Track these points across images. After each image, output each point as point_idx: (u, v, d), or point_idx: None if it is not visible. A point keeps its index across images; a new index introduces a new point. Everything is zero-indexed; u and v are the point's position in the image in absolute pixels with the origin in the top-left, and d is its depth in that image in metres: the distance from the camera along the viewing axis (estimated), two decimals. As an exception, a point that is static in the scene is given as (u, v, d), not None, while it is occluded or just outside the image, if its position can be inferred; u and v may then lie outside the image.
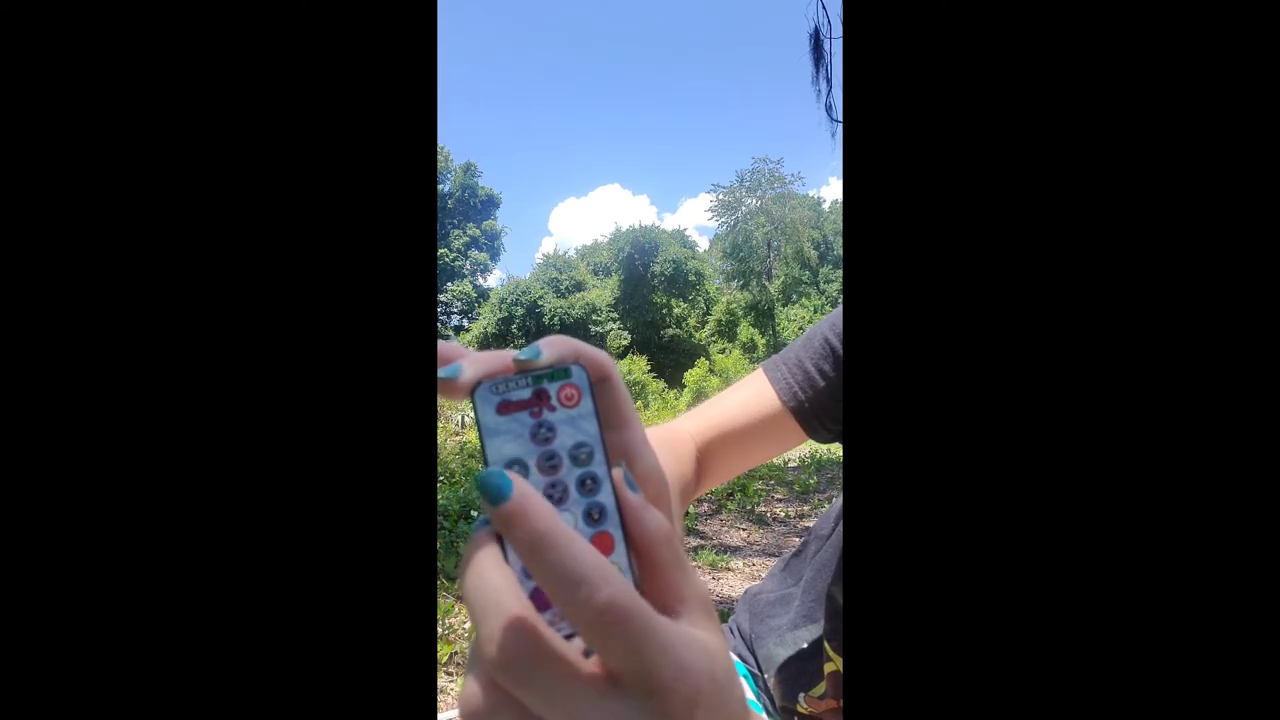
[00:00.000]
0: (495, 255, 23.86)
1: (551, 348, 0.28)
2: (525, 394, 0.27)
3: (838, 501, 0.60)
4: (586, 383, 0.28)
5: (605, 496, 0.28)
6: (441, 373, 0.27)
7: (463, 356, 0.27)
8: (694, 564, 2.60)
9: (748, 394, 0.56)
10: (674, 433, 0.53)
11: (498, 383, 0.27)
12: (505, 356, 0.27)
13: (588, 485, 0.28)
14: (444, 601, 1.96)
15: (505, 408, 0.27)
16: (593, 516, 0.28)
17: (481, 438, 0.27)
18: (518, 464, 0.27)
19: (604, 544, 0.28)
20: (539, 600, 0.25)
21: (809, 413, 0.54)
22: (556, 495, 0.27)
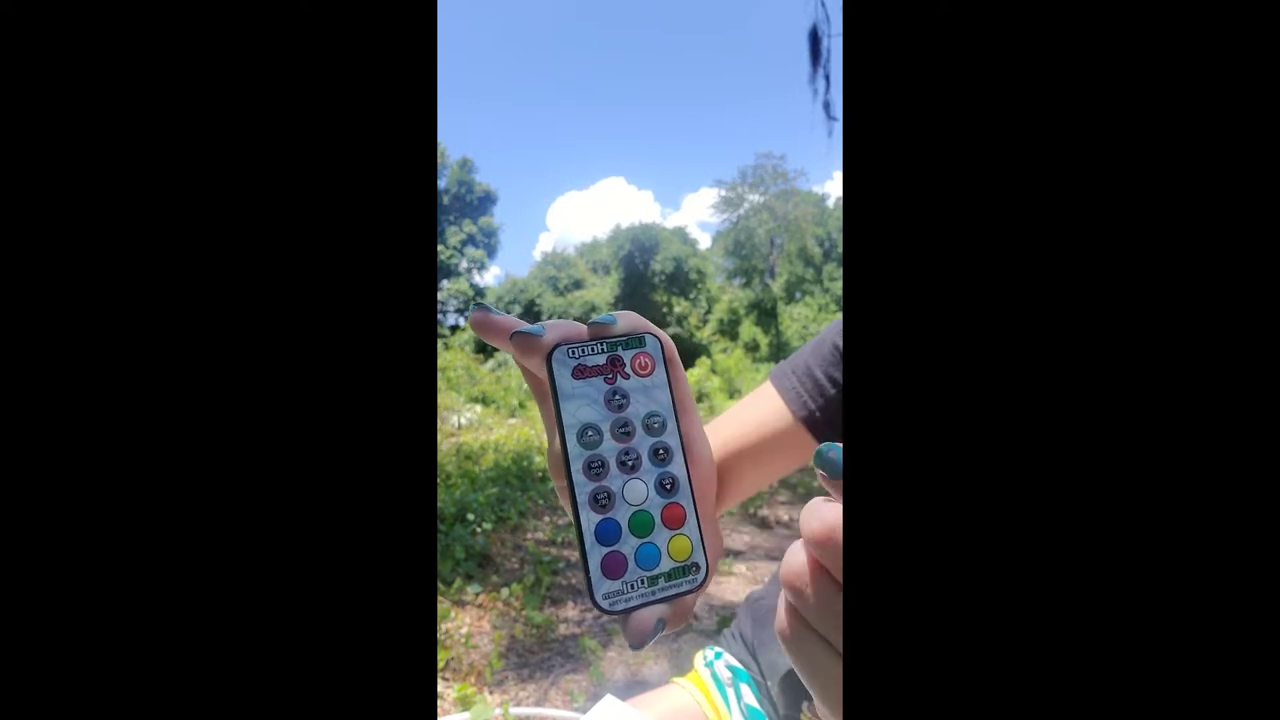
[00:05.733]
0: (492, 252, 23.83)
1: (625, 318, 0.28)
2: (600, 360, 0.27)
3: None
4: (660, 354, 0.29)
5: (677, 468, 0.28)
6: (525, 329, 0.27)
7: (518, 327, 0.27)
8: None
9: (759, 407, 0.55)
10: None
11: (574, 347, 0.27)
12: (581, 326, 0.28)
13: (660, 455, 0.28)
14: (440, 606, 1.96)
15: (581, 372, 0.27)
16: (665, 486, 0.28)
17: (557, 401, 0.27)
18: (592, 429, 0.27)
19: (675, 515, 0.28)
20: (609, 568, 0.26)
21: (821, 422, 0.53)
22: (630, 462, 0.27)
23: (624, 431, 0.27)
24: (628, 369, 0.28)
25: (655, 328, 0.29)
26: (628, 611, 0.26)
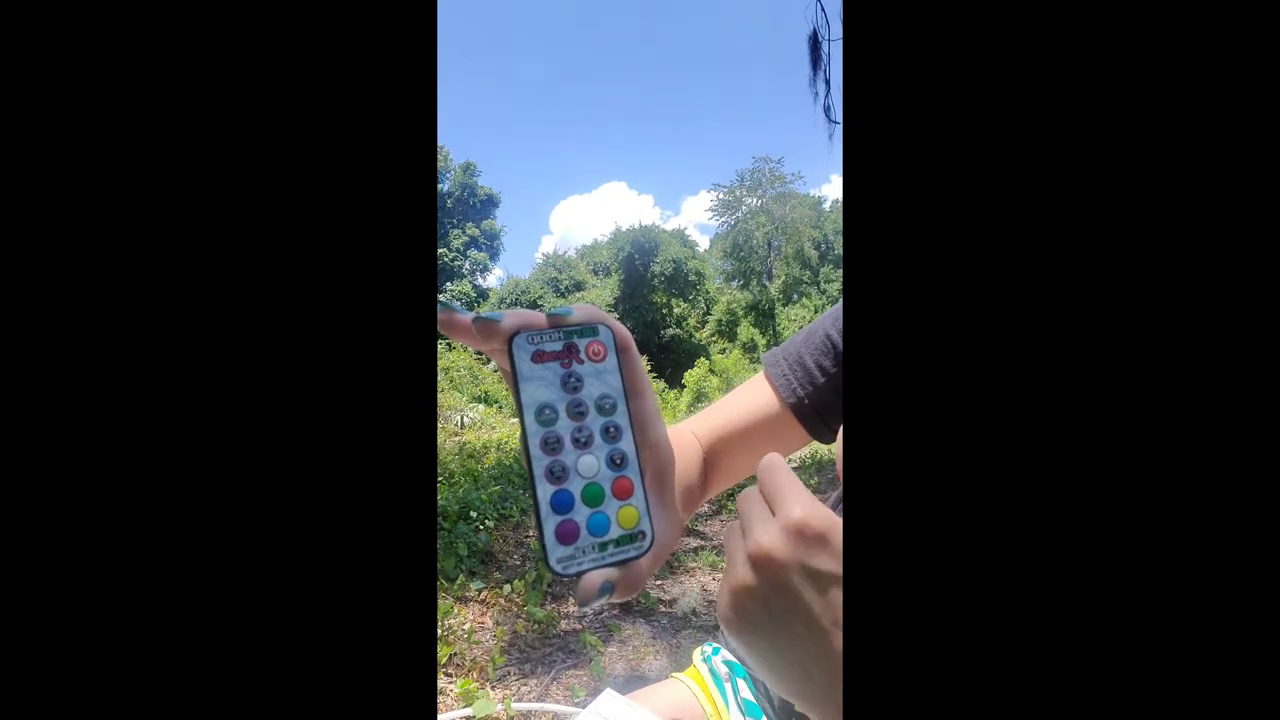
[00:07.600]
0: (495, 255, 23.80)
1: (582, 310, 0.30)
2: (557, 346, 0.30)
3: (834, 494, 0.60)
4: (612, 342, 0.31)
5: (626, 444, 0.30)
6: (485, 314, 0.29)
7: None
8: (693, 565, 2.59)
9: (751, 393, 0.56)
10: (679, 435, 0.53)
11: (533, 334, 0.29)
12: (540, 315, 0.30)
13: (610, 433, 0.30)
14: (443, 603, 1.96)
15: (539, 357, 0.29)
16: (615, 461, 0.30)
17: (516, 383, 0.29)
18: (549, 408, 0.29)
19: (624, 487, 0.30)
20: (563, 534, 0.28)
21: (809, 410, 0.54)
22: (582, 439, 0.30)
23: (578, 411, 0.29)
24: (582, 355, 0.30)
25: (610, 319, 0.31)
26: (579, 574, 0.28)
